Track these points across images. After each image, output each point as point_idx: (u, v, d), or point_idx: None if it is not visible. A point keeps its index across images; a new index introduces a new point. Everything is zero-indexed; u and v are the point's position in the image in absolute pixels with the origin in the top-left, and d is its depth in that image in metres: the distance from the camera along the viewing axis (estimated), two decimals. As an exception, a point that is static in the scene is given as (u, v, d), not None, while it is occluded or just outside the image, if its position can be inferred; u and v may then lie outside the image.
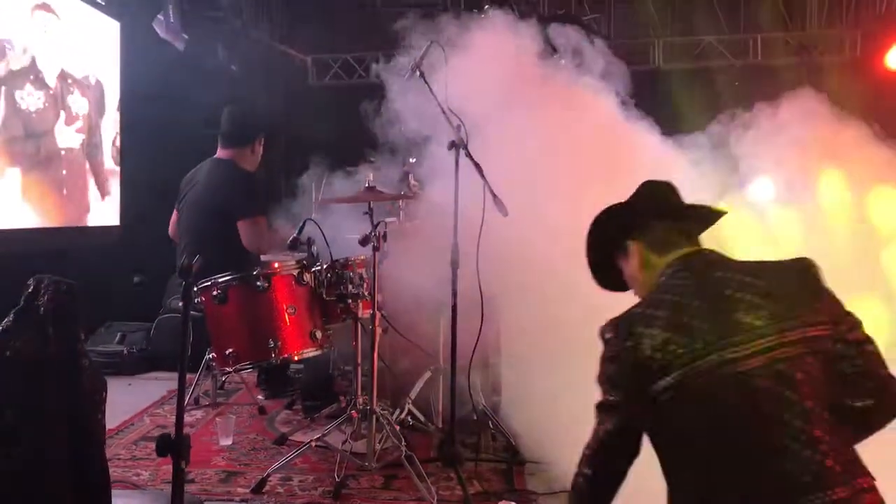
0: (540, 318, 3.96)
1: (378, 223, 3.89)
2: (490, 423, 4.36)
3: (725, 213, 2.06)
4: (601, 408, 1.88)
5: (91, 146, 6.58)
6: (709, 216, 2.06)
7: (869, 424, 1.80)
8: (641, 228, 2.02)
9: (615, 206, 2.13)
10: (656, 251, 1.98)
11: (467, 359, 3.87)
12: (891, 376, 1.78)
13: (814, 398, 1.67)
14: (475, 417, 4.22)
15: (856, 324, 1.79)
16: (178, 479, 2.04)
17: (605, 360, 1.86)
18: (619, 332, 1.83)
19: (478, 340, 3.75)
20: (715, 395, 1.69)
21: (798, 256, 1.86)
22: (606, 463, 1.89)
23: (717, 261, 1.89)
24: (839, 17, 8.10)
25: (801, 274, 1.81)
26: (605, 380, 1.87)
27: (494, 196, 3.53)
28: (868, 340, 1.79)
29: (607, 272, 2.14)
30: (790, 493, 1.62)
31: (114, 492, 2.29)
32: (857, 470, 1.68)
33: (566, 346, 3.68)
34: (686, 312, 1.75)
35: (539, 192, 4.01)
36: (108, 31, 6.82)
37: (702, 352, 1.69)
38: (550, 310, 3.80)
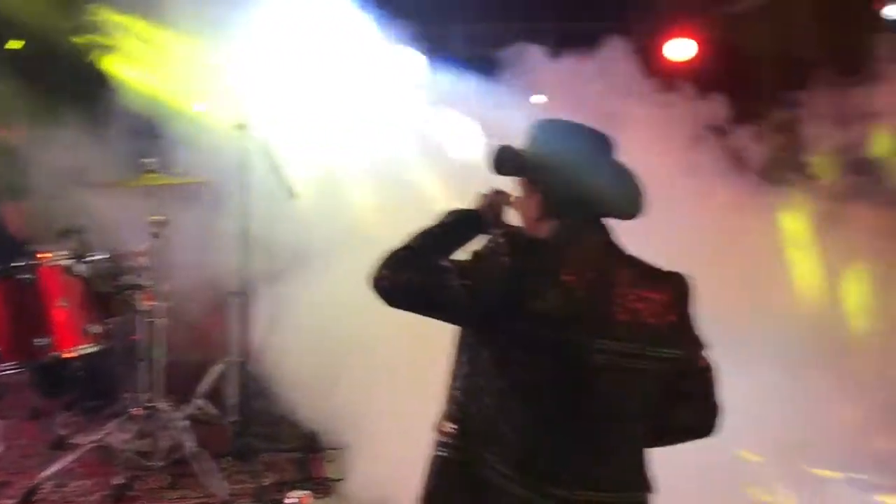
0: (335, 303, 3.89)
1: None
2: (287, 412, 4.27)
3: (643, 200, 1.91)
4: (460, 271, 1.76)
5: None
6: (627, 193, 1.89)
7: (686, 437, 1.95)
8: (544, 175, 1.87)
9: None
10: (555, 207, 1.84)
11: (263, 349, 3.75)
12: (717, 403, 1.92)
13: (638, 413, 1.79)
14: (271, 408, 4.11)
15: (703, 349, 1.90)
16: None
17: (501, 253, 1.75)
18: (529, 250, 1.77)
19: (263, 330, 3.65)
20: (568, 368, 1.72)
21: (676, 271, 1.88)
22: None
23: (615, 249, 1.85)
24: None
25: (677, 293, 1.85)
26: (490, 267, 1.75)
27: (284, 179, 3.42)
28: (709, 368, 1.91)
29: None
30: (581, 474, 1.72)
31: None
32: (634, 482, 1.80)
33: (364, 330, 3.67)
34: (580, 286, 1.73)
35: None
36: None
37: (576, 333, 1.71)
38: (343, 293, 3.74)
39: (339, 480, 3.70)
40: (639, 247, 1.87)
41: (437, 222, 1.92)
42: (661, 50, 7.43)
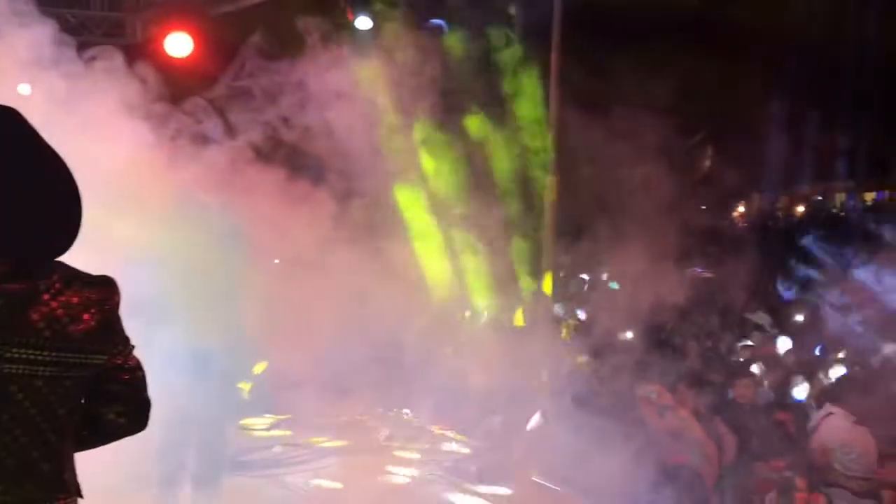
0: None
1: None
2: None
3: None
4: None
5: None
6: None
7: (118, 435, 1.94)
8: None
9: None
10: None
11: None
12: (148, 399, 1.94)
13: (62, 421, 1.75)
14: None
15: (130, 350, 1.89)
16: None
17: None
18: None
19: None
20: None
21: (104, 275, 1.82)
22: None
23: (40, 255, 1.76)
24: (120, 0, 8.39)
25: (102, 298, 1.79)
26: None
27: None
28: (139, 367, 1.91)
29: None
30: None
31: None
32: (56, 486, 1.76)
33: None
34: None
35: None
36: None
37: None
38: None
39: None
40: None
41: None
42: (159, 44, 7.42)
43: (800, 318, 10.18)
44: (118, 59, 4.51)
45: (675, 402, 5.19)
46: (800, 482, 4.75)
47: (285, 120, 4.89)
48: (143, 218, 3.98)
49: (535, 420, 5.67)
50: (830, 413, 5.10)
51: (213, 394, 4.18)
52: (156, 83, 4.52)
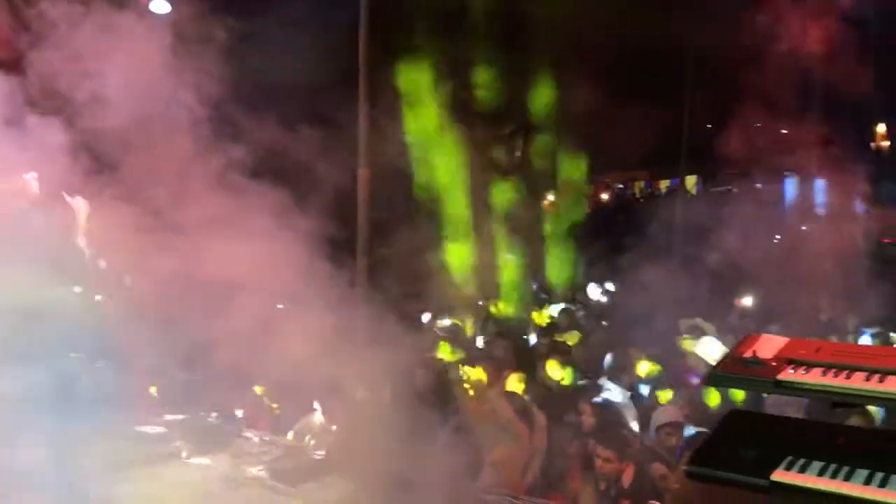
0: None
1: None
2: None
3: None
4: None
5: None
6: None
7: None
8: None
9: None
10: None
11: None
12: None
13: None
14: None
15: None
16: None
17: None
18: None
19: None
20: None
21: None
22: None
23: None
24: None
25: None
26: None
27: None
28: None
29: None
30: None
31: None
32: None
33: None
34: None
35: None
36: None
37: None
38: None
39: None
40: None
41: None
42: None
43: (604, 299, 10.75)
44: None
45: (486, 384, 5.29)
46: (605, 454, 4.84)
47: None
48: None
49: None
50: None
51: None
52: None
